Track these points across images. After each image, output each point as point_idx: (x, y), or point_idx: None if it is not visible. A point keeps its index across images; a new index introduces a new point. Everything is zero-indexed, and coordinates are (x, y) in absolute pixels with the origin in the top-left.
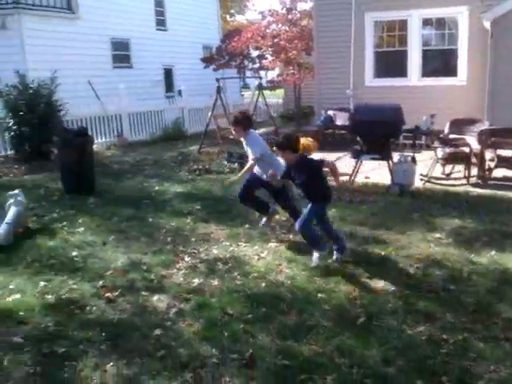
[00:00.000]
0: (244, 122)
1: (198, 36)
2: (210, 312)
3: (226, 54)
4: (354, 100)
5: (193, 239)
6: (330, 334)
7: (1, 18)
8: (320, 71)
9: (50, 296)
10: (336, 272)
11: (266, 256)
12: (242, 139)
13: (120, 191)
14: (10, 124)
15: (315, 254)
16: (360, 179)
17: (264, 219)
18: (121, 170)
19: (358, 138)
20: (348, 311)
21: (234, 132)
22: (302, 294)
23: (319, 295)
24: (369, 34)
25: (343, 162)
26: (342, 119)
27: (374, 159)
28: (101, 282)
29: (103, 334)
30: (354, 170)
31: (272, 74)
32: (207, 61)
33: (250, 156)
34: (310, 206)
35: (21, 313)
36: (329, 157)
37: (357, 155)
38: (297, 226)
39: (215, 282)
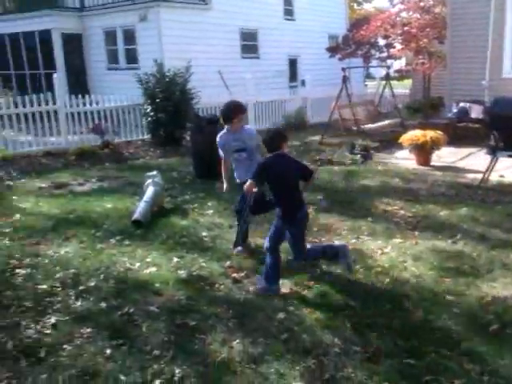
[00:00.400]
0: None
1: (325, 25)
2: (332, 302)
3: (353, 43)
4: (490, 92)
5: (314, 229)
6: (459, 338)
7: (143, 11)
8: (453, 61)
9: (182, 271)
10: (466, 275)
11: (390, 252)
12: (235, 132)
13: None
14: (148, 110)
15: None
16: (494, 177)
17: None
18: None
19: (495, 133)
20: (479, 317)
21: (238, 122)
22: (428, 294)
23: (448, 297)
24: (510, 21)
25: (475, 158)
26: (476, 112)
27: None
28: (228, 263)
29: (230, 312)
30: (488, 168)
31: (398, 64)
32: (333, 50)
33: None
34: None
35: (156, 285)
36: (460, 152)
37: (493, 151)
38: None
39: (337, 274)
